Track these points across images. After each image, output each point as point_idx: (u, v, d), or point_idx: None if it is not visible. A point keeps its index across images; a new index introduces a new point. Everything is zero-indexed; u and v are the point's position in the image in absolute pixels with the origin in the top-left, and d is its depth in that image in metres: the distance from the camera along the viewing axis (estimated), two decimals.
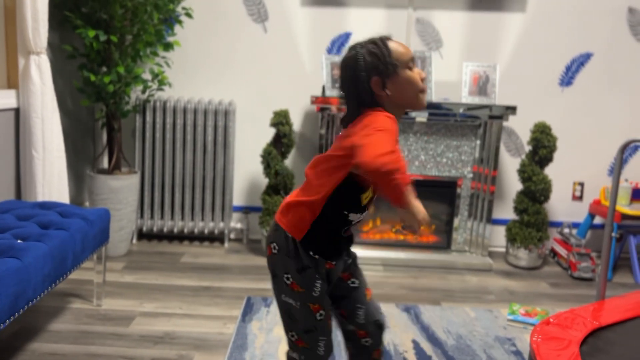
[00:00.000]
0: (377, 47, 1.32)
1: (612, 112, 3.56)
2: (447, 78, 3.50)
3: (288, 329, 1.45)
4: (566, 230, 3.49)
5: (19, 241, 1.89)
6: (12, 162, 2.60)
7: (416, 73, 1.34)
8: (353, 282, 1.52)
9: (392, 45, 1.33)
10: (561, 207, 3.68)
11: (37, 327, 2.26)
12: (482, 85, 3.34)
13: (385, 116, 1.28)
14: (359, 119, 1.31)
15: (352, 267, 1.53)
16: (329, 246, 1.41)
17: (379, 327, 1.54)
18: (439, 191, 3.44)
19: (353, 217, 1.40)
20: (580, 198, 3.67)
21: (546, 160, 3.30)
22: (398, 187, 1.19)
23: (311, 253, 1.38)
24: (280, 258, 1.41)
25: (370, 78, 1.31)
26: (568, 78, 3.54)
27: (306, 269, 1.39)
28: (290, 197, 1.43)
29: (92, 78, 2.88)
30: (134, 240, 3.47)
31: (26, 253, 1.78)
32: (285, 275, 1.41)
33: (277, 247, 1.42)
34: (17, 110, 2.60)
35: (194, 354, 2.12)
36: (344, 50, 1.42)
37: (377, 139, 1.20)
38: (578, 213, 3.67)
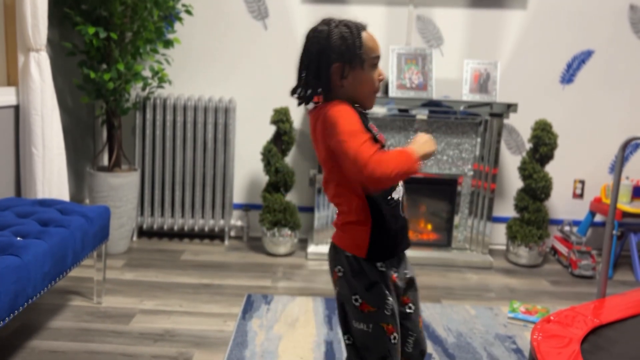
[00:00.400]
0: (351, 34, 1.27)
1: (613, 109, 3.55)
2: (448, 75, 3.49)
3: None
4: (567, 228, 3.49)
5: (18, 239, 1.88)
6: (12, 159, 2.60)
7: (377, 73, 1.31)
8: (410, 308, 1.42)
9: (364, 36, 1.29)
10: (562, 204, 3.67)
11: (37, 325, 2.26)
12: (482, 82, 3.34)
13: (345, 111, 1.23)
14: (319, 108, 1.28)
15: (412, 291, 1.43)
16: (393, 239, 1.34)
17: (422, 355, 1.46)
18: (439, 189, 3.44)
19: (395, 194, 1.33)
20: (581, 196, 3.66)
21: (547, 157, 3.30)
22: (406, 172, 1.18)
23: (378, 264, 1.32)
24: (346, 280, 1.33)
25: (333, 63, 1.26)
26: (569, 75, 3.53)
27: (374, 284, 1.31)
28: (338, 219, 1.37)
29: (92, 75, 2.87)
30: (134, 238, 3.47)
31: (26, 250, 1.77)
32: (354, 297, 1.32)
33: (341, 270, 1.34)
34: (16, 108, 2.60)
35: (194, 351, 2.12)
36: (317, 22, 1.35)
37: (358, 151, 1.15)
38: (579, 211, 3.66)
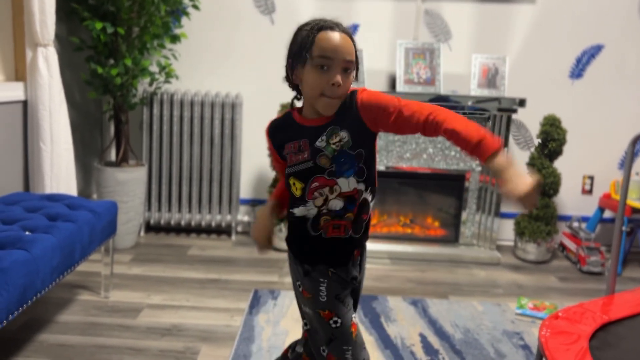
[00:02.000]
0: (306, 32, 1.25)
1: (623, 104, 3.52)
2: (456, 70, 3.47)
3: (315, 344, 1.40)
4: (575, 224, 3.46)
5: (27, 233, 1.89)
6: (20, 154, 2.61)
7: (326, 76, 1.22)
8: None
9: (319, 36, 1.23)
10: (570, 200, 3.65)
11: (46, 319, 2.27)
12: (491, 77, 3.31)
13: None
14: None
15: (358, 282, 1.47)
16: (306, 247, 1.38)
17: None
18: (447, 184, 3.43)
19: (298, 211, 1.34)
20: (590, 192, 3.64)
21: (555, 153, 3.27)
22: None
23: (302, 258, 1.39)
24: (290, 265, 1.44)
25: (287, 59, 1.31)
26: (578, 70, 3.50)
27: (309, 272, 1.37)
28: None
29: (100, 70, 2.88)
30: (142, 233, 3.48)
31: (34, 245, 1.78)
32: (297, 283, 1.41)
33: (289, 255, 1.44)
34: (25, 103, 2.61)
35: (200, 346, 2.13)
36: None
37: None
38: (588, 207, 3.63)
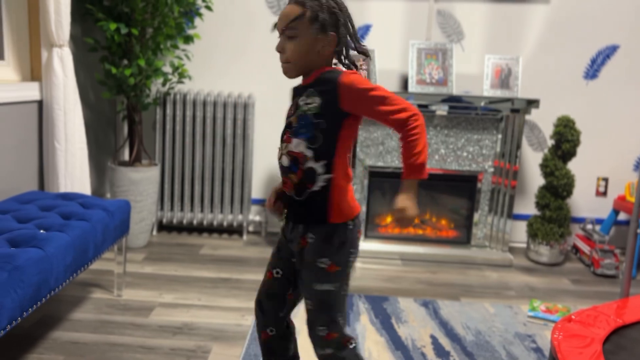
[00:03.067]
0: None
1: (638, 105, 3.47)
2: (469, 71, 3.45)
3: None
4: (589, 227, 3.43)
5: (41, 231, 1.92)
6: (35, 153, 2.64)
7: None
8: (299, 284, 1.52)
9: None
10: (584, 202, 3.61)
11: (59, 316, 2.30)
12: (504, 78, 3.29)
13: None
14: None
15: (297, 271, 1.49)
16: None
17: (310, 338, 1.52)
18: (459, 185, 3.41)
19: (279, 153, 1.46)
20: (604, 194, 3.60)
21: (569, 154, 3.24)
22: None
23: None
24: None
25: None
26: (593, 71, 3.46)
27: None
28: None
29: (114, 71, 2.91)
30: (154, 232, 3.51)
31: (49, 243, 1.80)
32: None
33: None
34: (40, 103, 2.64)
35: (212, 345, 2.14)
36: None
37: None
38: (602, 209, 3.60)
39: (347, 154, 1.41)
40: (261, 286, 1.58)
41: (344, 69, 1.39)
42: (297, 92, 1.44)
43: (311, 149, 1.35)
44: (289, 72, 1.40)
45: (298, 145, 1.36)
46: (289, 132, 1.40)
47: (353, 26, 1.40)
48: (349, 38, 1.40)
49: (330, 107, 1.34)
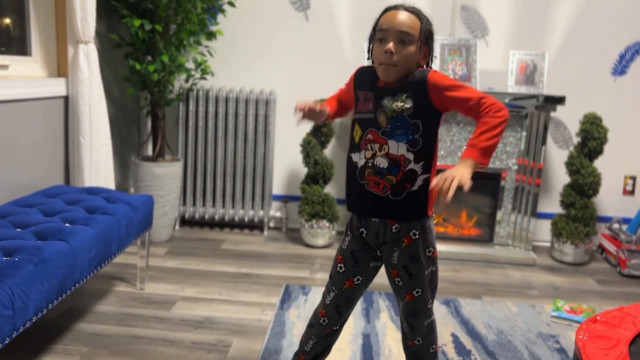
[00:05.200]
0: (380, 13, 1.44)
1: None
2: (493, 67, 3.41)
3: None
4: (616, 226, 3.36)
5: (67, 225, 1.95)
6: (61, 148, 2.69)
7: (382, 47, 1.39)
8: (398, 282, 1.56)
9: (385, 14, 1.41)
10: (611, 201, 3.54)
11: (83, 309, 2.34)
12: (529, 74, 3.24)
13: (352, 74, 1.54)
14: None
15: (400, 270, 1.54)
16: (353, 196, 1.53)
17: (410, 326, 1.62)
18: (482, 183, 3.37)
19: (355, 157, 1.48)
20: (631, 192, 3.52)
21: (596, 152, 3.18)
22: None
23: (349, 207, 1.57)
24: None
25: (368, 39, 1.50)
26: (622, 67, 3.38)
27: (346, 225, 1.60)
28: None
29: (138, 67, 2.94)
30: (177, 227, 3.55)
31: (74, 236, 1.83)
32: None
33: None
34: (66, 98, 2.68)
35: (232, 339, 2.15)
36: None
37: None
38: (629, 208, 3.52)
39: (438, 150, 1.48)
40: (338, 293, 1.59)
41: (428, 69, 1.45)
42: (373, 89, 1.45)
43: (412, 152, 1.40)
44: (391, 75, 1.41)
45: (398, 148, 1.40)
46: (378, 132, 1.42)
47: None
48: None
49: (424, 107, 1.40)
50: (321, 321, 1.63)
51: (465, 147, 1.37)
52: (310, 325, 1.68)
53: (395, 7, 1.41)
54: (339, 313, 1.61)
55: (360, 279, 1.58)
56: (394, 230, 1.49)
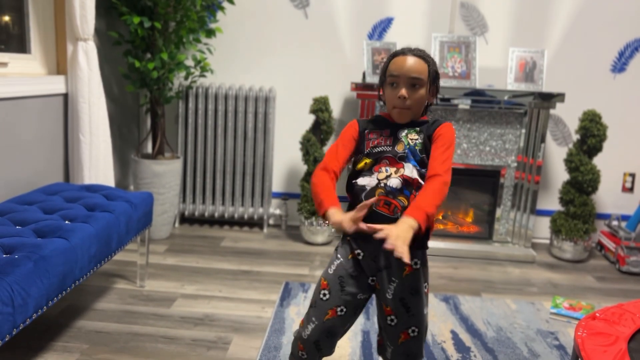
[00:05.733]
0: (386, 60, 1.51)
1: None
2: (492, 64, 3.41)
3: None
4: (615, 223, 3.36)
5: (66, 222, 1.95)
6: (61, 146, 2.69)
7: (396, 91, 1.45)
8: (392, 320, 1.49)
9: (394, 60, 1.47)
10: (610, 198, 3.54)
11: (83, 306, 2.34)
12: (528, 71, 3.24)
13: (348, 125, 1.55)
14: None
15: (397, 304, 1.47)
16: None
17: None
18: (481, 180, 3.37)
19: (362, 181, 1.46)
20: (630, 189, 3.53)
21: (595, 149, 3.18)
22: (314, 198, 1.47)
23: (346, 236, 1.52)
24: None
25: (379, 81, 1.55)
26: (621, 64, 3.38)
27: (335, 248, 1.54)
28: None
29: (137, 64, 2.94)
30: (176, 224, 3.55)
31: (74, 234, 1.84)
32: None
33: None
34: (65, 96, 2.68)
35: (232, 336, 2.16)
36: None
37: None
38: (628, 205, 3.53)
39: None
40: (319, 325, 1.47)
41: (446, 121, 1.51)
42: (388, 127, 1.50)
43: (421, 178, 1.44)
44: (406, 117, 1.48)
45: (412, 171, 1.42)
46: (395, 157, 1.45)
47: None
48: None
49: (426, 146, 1.46)
50: (300, 355, 1.52)
51: (412, 206, 1.36)
52: (292, 355, 1.58)
53: (403, 52, 1.46)
54: (318, 348, 1.49)
55: (345, 310, 1.47)
56: (391, 255, 1.38)
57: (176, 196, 3.30)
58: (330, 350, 1.52)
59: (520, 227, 3.32)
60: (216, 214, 3.51)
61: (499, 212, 3.36)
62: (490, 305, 2.56)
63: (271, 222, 3.70)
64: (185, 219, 3.67)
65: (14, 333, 1.50)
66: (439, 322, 2.35)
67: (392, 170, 1.43)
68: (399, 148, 1.45)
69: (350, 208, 1.48)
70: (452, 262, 3.16)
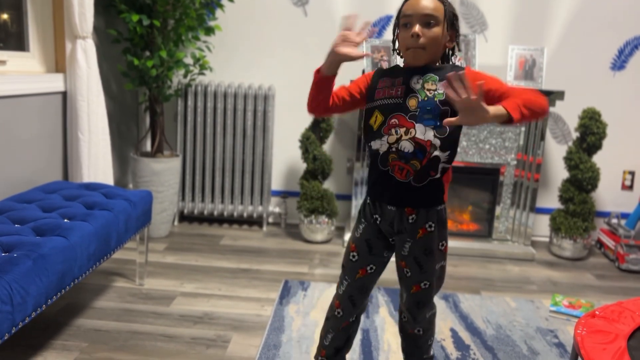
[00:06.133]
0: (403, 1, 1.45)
1: None
2: (492, 62, 3.40)
3: None
4: (614, 221, 3.36)
5: (65, 220, 1.95)
6: (59, 144, 2.69)
7: (409, 31, 1.39)
8: (407, 272, 1.58)
9: (407, 1, 1.42)
10: (609, 196, 3.54)
11: (83, 304, 2.34)
12: (528, 69, 3.23)
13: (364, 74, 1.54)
14: None
15: (411, 261, 1.55)
16: (373, 181, 1.51)
17: (412, 316, 1.65)
18: (480, 178, 3.37)
19: (375, 144, 1.45)
20: (630, 187, 3.52)
21: (594, 147, 3.18)
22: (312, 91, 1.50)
23: (367, 199, 1.56)
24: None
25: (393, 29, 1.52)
26: (620, 62, 3.38)
27: (359, 212, 1.60)
28: None
29: (136, 62, 2.93)
30: (176, 222, 3.54)
31: (72, 232, 1.83)
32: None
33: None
34: (64, 94, 2.67)
35: (232, 334, 2.16)
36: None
37: None
38: (628, 203, 3.52)
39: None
40: (351, 282, 1.60)
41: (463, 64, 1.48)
42: (402, 73, 1.45)
43: (439, 138, 1.38)
44: (421, 58, 1.41)
45: (426, 132, 1.37)
46: (406, 115, 1.39)
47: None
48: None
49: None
50: (336, 313, 1.64)
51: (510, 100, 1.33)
52: (327, 319, 1.69)
53: None
54: (353, 303, 1.61)
55: (374, 267, 1.58)
56: (410, 221, 1.49)
57: (175, 194, 3.30)
58: (362, 305, 1.64)
59: (519, 225, 3.32)
60: (215, 212, 3.51)
61: (498, 210, 3.36)
62: (490, 303, 2.56)
63: (270, 220, 3.69)
64: (184, 217, 3.67)
65: (13, 331, 1.50)
66: (439, 320, 2.35)
67: (402, 131, 1.39)
68: (411, 104, 1.39)
69: (370, 169, 1.52)
70: (452, 260, 3.16)
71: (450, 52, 1.49)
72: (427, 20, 1.38)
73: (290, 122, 3.54)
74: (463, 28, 3.39)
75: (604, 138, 3.15)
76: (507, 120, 1.30)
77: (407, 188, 1.44)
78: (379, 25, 3.41)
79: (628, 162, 3.50)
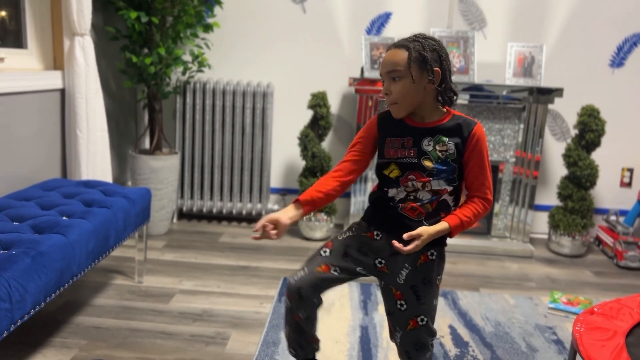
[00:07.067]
0: None
1: None
2: (491, 59, 3.40)
3: None
4: (613, 218, 3.37)
5: (64, 218, 1.95)
6: (58, 141, 2.68)
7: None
8: (401, 305, 1.50)
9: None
10: (608, 193, 3.55)
11: (82, 302, 2.34)
12: (527, 66, 3.23)
13: (369, 122, 1.53)
14: None
15: (407, 291, 1.48)
16: (378, 215, 1.49)
17: (408, 357, 1.54)
18: None
19: (392, 192, 1.45)
20: (629, 184, 3.53)
21: (593, 144, 3.18)
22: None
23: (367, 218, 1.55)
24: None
25: None
26: (619, 59, 3.38)
27: (353, 223, 1.57)
28: None
29: (134, 59, 2.92)
30: (174, 220, 3.54)
31: (71, 230, 1.83)
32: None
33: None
34: (62, 91, 2.67)
35: (231, 331, 2.16)
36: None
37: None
38: (626, 200, 3.53)
39: None
40: (306, 275, 1.49)
41: (475, 120, 1.44)
42: (409, 132, 1.43)
43: (451, 186, 1.43)
44: (399, 113, 1.42)
45: (440, 184, 1.41)
46: (423, 173, 1.40)
47: (449, 62, 1.43)
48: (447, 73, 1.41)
49: (460, 152, 1.41)
50: (288, 306, 1.54)
51: (451, 213, 1.43)
52: (285, 311, 1.59)
53: (388, 49, 1.42)
54: (300, 296, 1.49)
55: (337, 271, 1.49)
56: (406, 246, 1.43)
57: (174, 192, 3.30)
58: (310, 303, 1.51)
59: (518, 222, 3.32)
60: (214, 210, 3.51)
61: (497, 207, 3.36)
62: (489, 300, 2.56)
63: None
64: (183, 215, 3.66)
65: (11, 329, 1.50)
66: (437, 318, 2.35)
67: (419, 185, 1.41)
68: (427, 165, 1.39)
69: (375, 206, 1.50)
70: (451, 257, 3.16)
71: (444, 91, 1.40)
72: (392, 76, 1.38)
73: (289, 119, 3.54)
74: (461, 25, 3.38)
75: (602, 135, 3.15)
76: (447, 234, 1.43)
77: (417, 224, 1.42)
78: (378, 22, 3.41)
79: (627, 159, 3.50)
